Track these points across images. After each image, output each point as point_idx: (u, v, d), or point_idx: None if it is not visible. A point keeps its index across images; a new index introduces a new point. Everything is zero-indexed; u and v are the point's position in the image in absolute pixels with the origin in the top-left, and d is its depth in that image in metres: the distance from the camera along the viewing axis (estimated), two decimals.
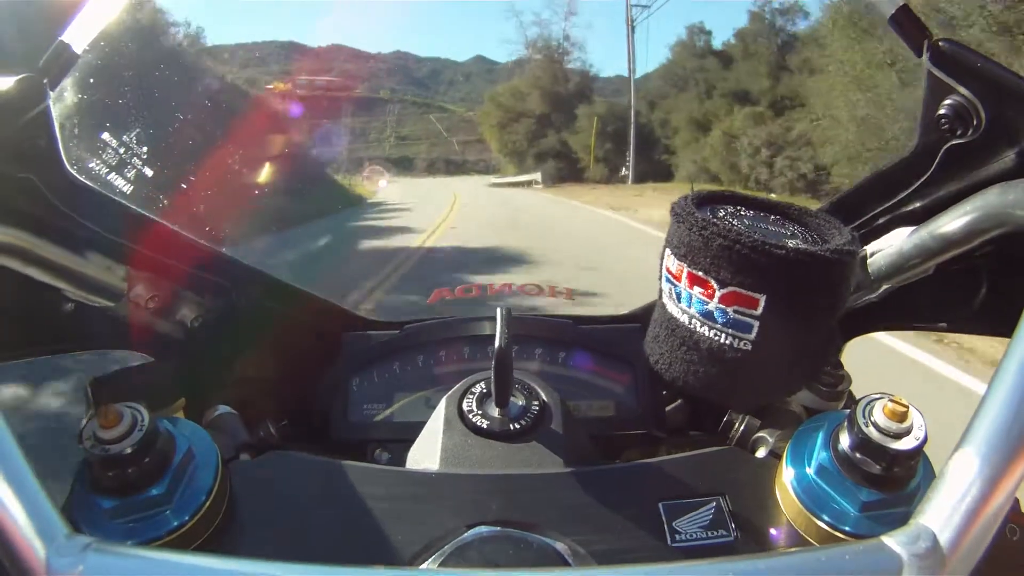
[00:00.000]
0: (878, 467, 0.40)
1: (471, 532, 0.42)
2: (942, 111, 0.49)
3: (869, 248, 0.55)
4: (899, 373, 3.40)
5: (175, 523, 0.40)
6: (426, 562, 0.41)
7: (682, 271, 0.45)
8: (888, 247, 0.54)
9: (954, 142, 0.49)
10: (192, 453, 0.43)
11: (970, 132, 0.48)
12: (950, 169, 0.50)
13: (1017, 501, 0.39)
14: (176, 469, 0.41)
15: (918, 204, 0.54)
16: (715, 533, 0.44)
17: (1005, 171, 0.47)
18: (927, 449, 0.41)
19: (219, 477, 0.43)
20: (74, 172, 0.52)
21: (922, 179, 0.52)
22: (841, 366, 0.61)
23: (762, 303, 0.42)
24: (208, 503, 0.42)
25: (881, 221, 0.56)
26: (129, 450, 0.39)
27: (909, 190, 0.53)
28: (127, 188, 0.65)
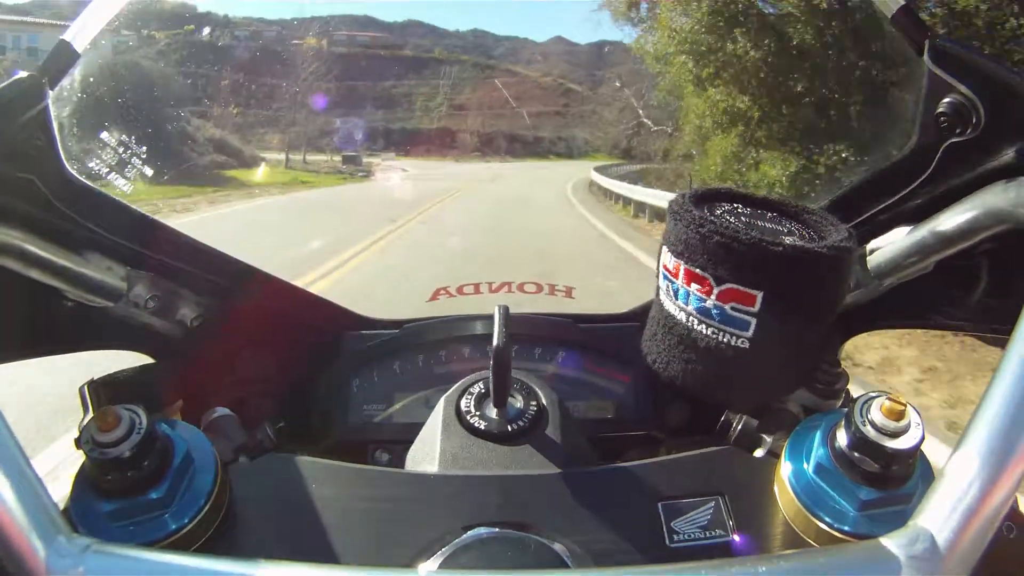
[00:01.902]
0: (876, 465, 0.40)
1: (470, 533, 0.42)
2: (941, 109, 0.49)
3: (869, 246, 0.55)
4: None
5: (175, 526, 0.40)
6: (425, 563, 0.41)
7: (679, 268, 0.44)
8: (888, 245, 0.54)
9: (954, 140, 0.49)
10: (191, 456, 0.43)
11: (969, 130, 0.48)
12: (950, 167, 0.50)
13: (1016, 501, 0.39)
14: (175, 472, 0.42)
15: (918, 202, 0.53)
16: (713, 533, 0.44)
17: (1005, 168, 0.47)
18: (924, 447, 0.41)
19: (218, 480, 0.43)
20: (74, 171, 0.52)
21: (922, 177, 0.52)
22: (839, 364, 0.61)
23: (759, 300, 0.42)
24: (207, 506, 0.42)
25: (881, 219, 0.56)
26: (127, 453, 0.39)
27: (909, 188, 0.53)
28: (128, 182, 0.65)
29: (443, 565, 0.40)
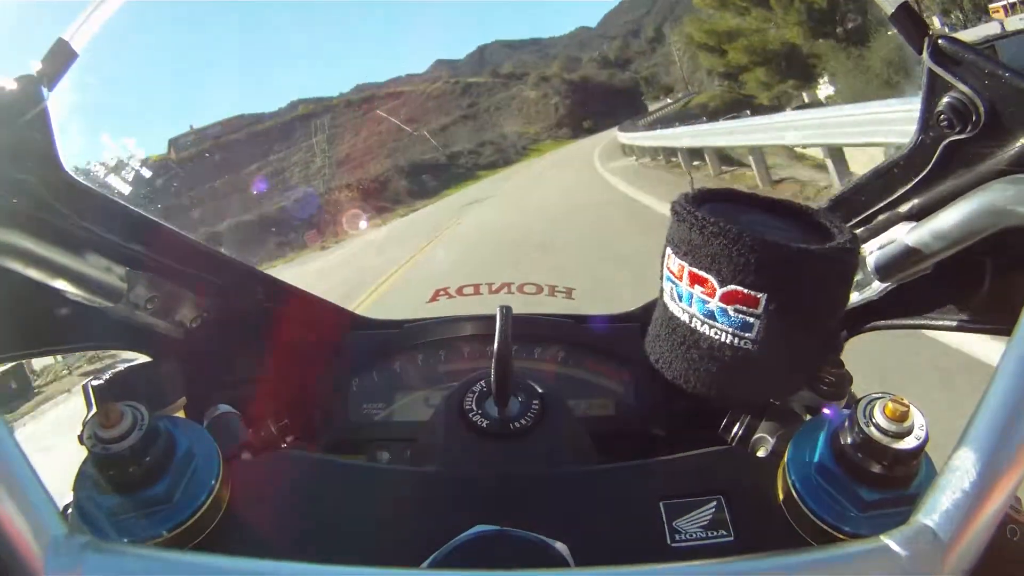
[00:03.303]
0: (879, 467, 0.40)
1: (471, 532, 0.42)
2: (941, 108, 0.49)
3: (868, 246, 0.55)
4: None
5: (175, 521, 0.40)
6: (426, 562, 0.41)
7: (683, 270, 0.44)
8: (888, 244, 0.53)
9: (953, 138, 0.49)
10: (192, 452, 0.43)
11: (969, 128, 0.48)
12: (949, 165, 0.50)
13: (1018, 500, 0.39)
14: (176, 468, 0.41)
15: (917, 201, 0.53)
16: (715, 533, 0.44)
17: (1004, 167, 0.47)
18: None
19: (219, 476, 0.43)
20: (72, 173, 0.53)
21: (921, 176, 0.52)
22: (842, 365, 0.61)
23: (763, 302, 0.42)
24: (208, 502, 0.42)
25: (881, 218, 0.56)
26: (129, 449, 0.39)
27: (908, 187, 0.53)
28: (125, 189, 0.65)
29: (444, 563, 0.40)
